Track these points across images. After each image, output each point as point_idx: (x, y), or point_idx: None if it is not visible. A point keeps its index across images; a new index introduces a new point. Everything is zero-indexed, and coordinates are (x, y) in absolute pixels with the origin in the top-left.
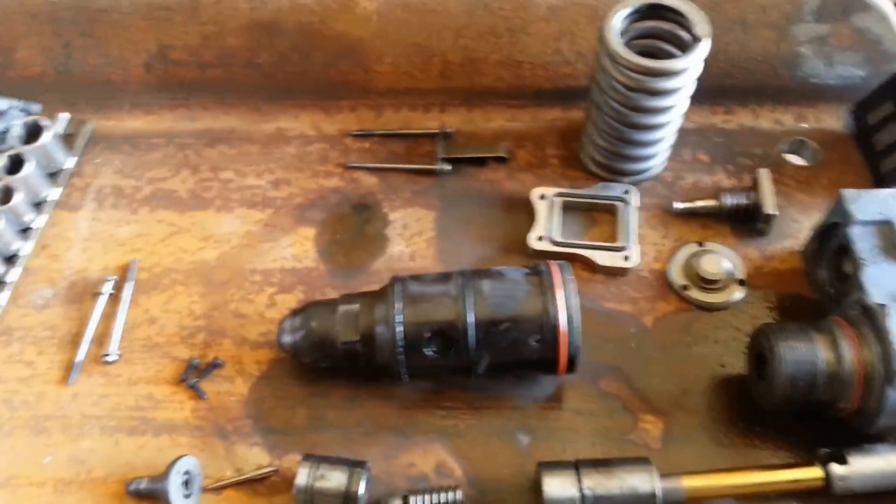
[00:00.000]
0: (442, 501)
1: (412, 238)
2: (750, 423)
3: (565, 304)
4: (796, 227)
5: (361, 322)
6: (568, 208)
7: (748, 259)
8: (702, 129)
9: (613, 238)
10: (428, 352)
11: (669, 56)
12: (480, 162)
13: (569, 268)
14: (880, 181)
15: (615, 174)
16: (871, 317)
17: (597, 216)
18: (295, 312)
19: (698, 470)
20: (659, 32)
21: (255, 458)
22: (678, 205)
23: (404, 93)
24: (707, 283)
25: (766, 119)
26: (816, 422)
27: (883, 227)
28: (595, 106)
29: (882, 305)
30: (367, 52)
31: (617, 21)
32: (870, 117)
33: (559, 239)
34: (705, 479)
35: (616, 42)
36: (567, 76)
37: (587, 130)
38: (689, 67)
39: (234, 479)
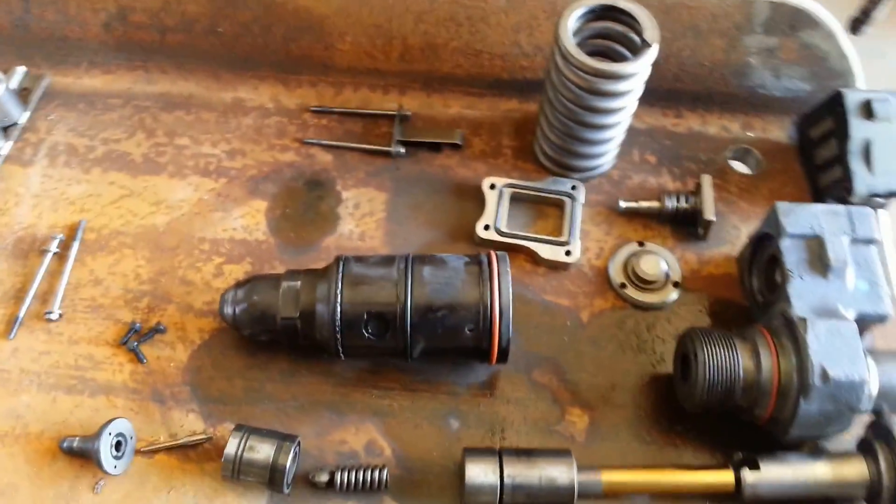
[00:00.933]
0: (367, 478)
1: (363, 218)
2: (673, 423)
3: (500, 295)
4: (735, 233)
5: (302, 299)
6: (517, 199)
7: (685, 262)
8: (652, 131)
9: (558, 232)
10: (365, 333)
11: (622, 58)
12: (435, 147)
13: (506, 260)
14: (818, 195)
15: (565, 169)
16: (791, 329)
17: (544, 209)
18: (238, 285)
19: (618, 465)
20: (611, 34)
21: (190, 424)
22: (624, 203)
23: (365, 72)
24: (644, 283)
25: (714, 125)
26: (739, 425)
27: (811, 241)
28: (548, 101)
29: (803, 319)
30: (328, 28)
31: (572, 20)
32: (812, 132)
33: (505, 229)
34: (623, 474)
35: (569, 41)
36: (525, 68)
37: (540, 124)
38: (638, 72)
39: (167, 444)
